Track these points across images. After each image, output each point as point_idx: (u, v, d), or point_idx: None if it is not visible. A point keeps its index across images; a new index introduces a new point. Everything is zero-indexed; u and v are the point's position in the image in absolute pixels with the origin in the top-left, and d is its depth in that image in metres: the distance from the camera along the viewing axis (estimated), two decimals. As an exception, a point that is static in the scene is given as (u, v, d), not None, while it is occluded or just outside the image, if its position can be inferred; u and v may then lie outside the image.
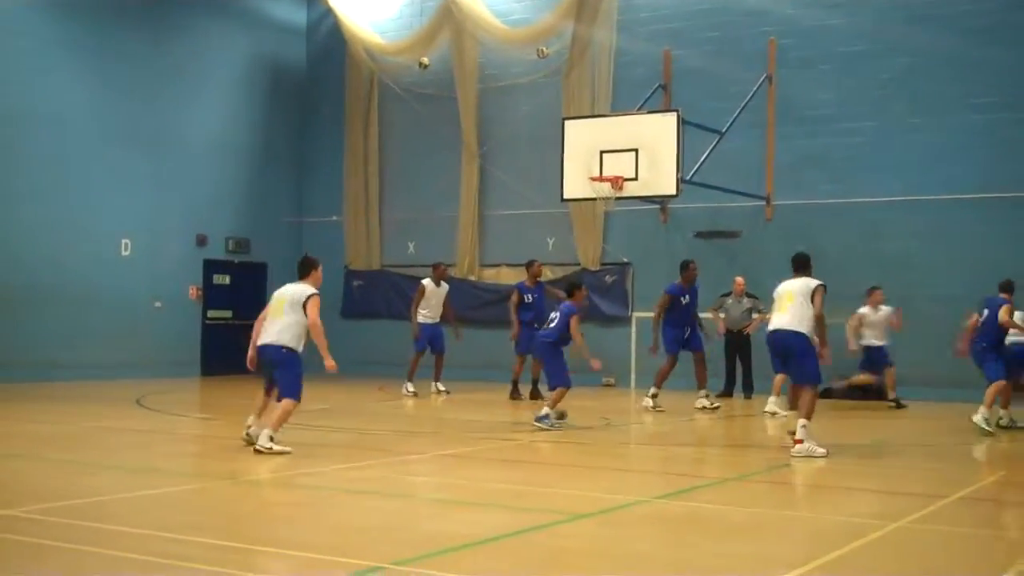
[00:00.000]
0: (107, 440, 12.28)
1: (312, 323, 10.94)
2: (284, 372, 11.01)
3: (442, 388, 18.57)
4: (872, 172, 19.34)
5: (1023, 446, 13.06)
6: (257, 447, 10.61)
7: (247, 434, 11.06)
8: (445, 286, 18.61)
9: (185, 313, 22.63)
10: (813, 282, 11.64)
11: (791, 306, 11.50)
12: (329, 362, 11.06)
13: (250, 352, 11.47)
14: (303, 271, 11.33)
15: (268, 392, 11.32)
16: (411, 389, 18.22)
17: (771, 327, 11.79)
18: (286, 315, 11.05)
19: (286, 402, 10.85)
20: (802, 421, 11.19)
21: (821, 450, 11.01)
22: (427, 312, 18.34)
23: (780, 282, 11.87)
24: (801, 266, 12.01)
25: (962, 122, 18.72)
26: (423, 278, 18.70)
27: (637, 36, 21.31)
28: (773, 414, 15.62)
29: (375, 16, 24.46)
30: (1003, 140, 18.44)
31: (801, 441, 11.10)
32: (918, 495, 8.80)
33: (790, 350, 11.49)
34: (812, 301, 11.47)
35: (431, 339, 18.42)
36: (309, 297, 11.00)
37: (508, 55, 22.72)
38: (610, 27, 21.46)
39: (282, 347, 11.00)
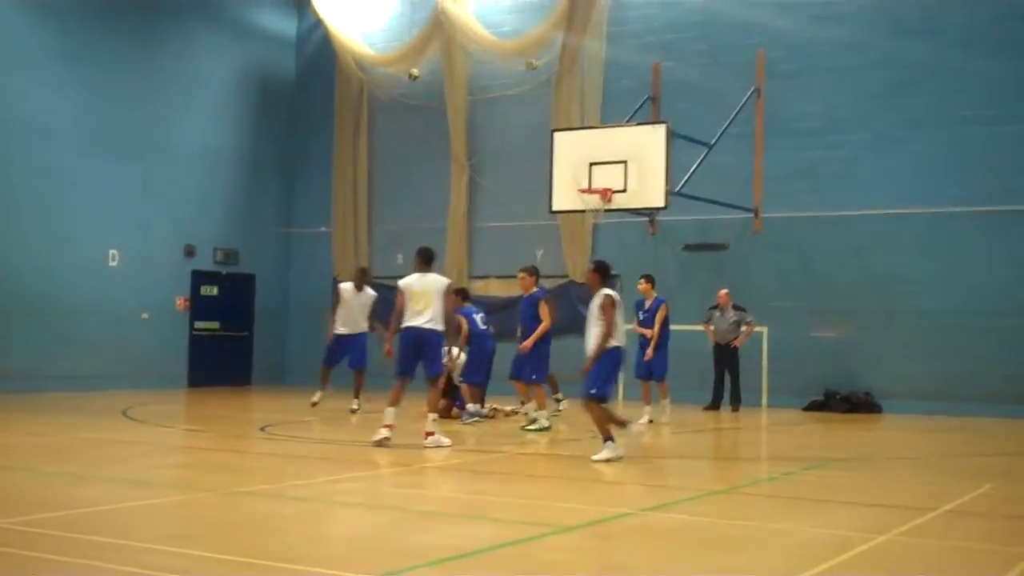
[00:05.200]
0: (94, 451, 12.23)
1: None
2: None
3: (355, 407, 16.67)
4: (860, 185, 19.43)
5: (1009, 460, 13.10)
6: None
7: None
8: (370, 293, 17.08)
9: (172, 324, 22.58)
10: (444, 280, 12.67)
11: (434, 306, 12.36)
12: None
13: None
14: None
15: None
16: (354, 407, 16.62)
17: (413, 323, 12.39)
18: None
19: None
20: (432, 416, 12.41)
21: (446, 440, 12.33)
22: (341, 322, 16.81)
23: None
24: (430, 260, 12.71)
25: (950, 135, 18.82)
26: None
27: (626, 48, 21.38)
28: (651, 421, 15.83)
29: (365, 27, 24.50)
30: (991, 153, 18.54)
31: (432, 433, 12.26)
32: (905, 508, 8.82)
33: (425, 346, 12.37)
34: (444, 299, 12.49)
35: (347, 352, 16.93)
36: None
37: (497, 67, 22.79)
38: (599, 39, 21.55)
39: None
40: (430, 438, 12.26)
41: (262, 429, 14.47)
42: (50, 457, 11.42)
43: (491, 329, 16.36)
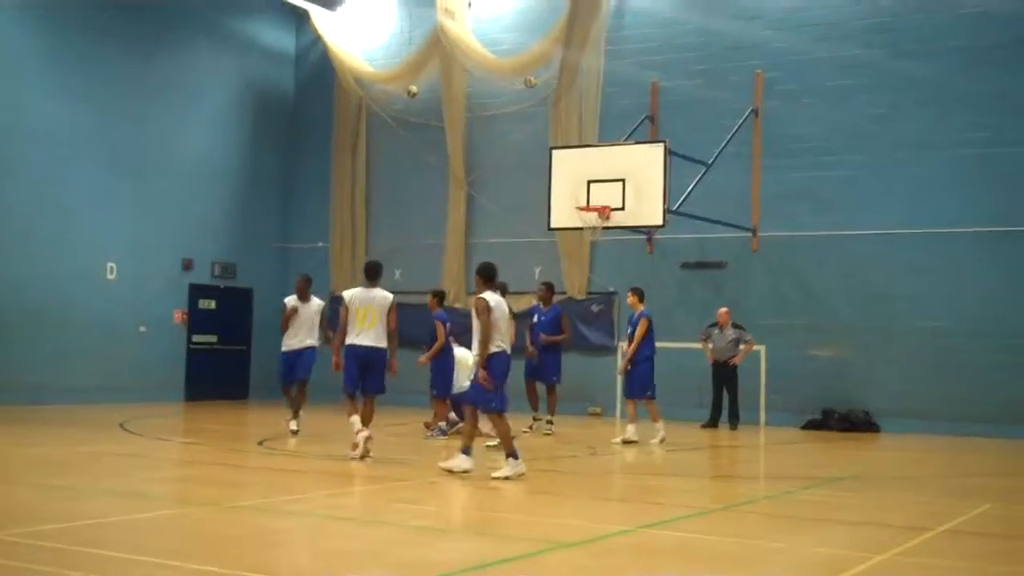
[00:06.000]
0: (91, 464, 12.21)
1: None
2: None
3: (294, 427, 15.60)
4: (857, 205, 19.46)
5: (1007, 480, 13.09)
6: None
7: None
8: (317, 303, 15.94)
9: (170, 337, 22.56)
10: (390, 296, 12.59)
11: (379, 322, 12.43)
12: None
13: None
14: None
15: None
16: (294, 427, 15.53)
17: (359, 341, 12.41)
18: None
19: None
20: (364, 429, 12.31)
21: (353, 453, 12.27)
22: (290, 336, 15.76)
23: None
24: (374, 275, 12.65)
25: (947, 156, 18.87)
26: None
27: (625, 67, 21.44)
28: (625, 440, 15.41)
29: (364, 44, 24.57)
30: (987, 174, 18.59)
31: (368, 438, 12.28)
32: (902, 528, 8.82)
33: (376, 363, 12.44)
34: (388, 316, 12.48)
35: (293, 367, 15.70)
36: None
37: (496, 84, 22.85)
38: (598, 57, 21.61)
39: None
40: (357, 450, 12.25)
41: (259, 443, 14.45)
42: (48, 470, 11.40)
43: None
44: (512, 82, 22.49)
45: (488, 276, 11.43)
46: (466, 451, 11.16)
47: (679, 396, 19.73)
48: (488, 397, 11.13)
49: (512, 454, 11.05)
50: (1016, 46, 18.68)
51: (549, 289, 17.12)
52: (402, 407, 19.22)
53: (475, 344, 11.15)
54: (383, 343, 12.48)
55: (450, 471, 11.05)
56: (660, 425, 15.54)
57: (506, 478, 10.89)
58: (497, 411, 11.28)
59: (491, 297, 11.15)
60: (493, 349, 11.06)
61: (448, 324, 15.68)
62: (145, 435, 15.20)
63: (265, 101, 24.95)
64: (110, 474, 11.39)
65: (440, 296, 16.32)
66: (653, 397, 15.66)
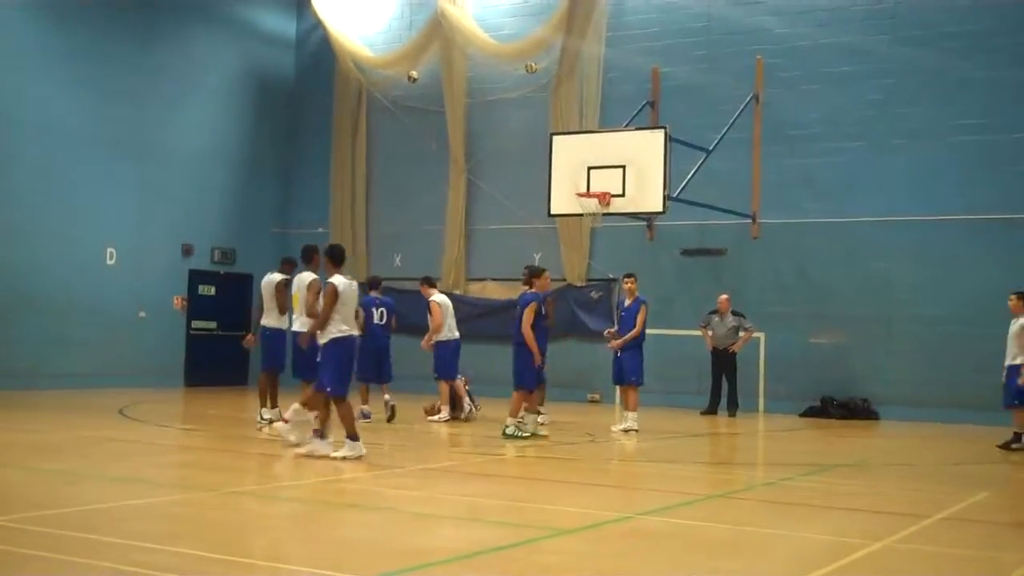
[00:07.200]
0: (90, 450, 12.21)
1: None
2: None
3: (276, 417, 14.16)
4: (857, 192, 19.43)
5: (1005, 468, 13.10)
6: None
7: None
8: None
9: (169, 323, 22.56)
10: (301, 276, 12.86)
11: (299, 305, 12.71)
12: None
13: None
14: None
15: None
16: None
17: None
18: None
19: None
20: (295, 405, 12.06)
21: (292, 438, 11.92)
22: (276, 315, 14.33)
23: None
24: (305, 259, 12.98)
25: (947, 143, 18.82)
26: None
27: (626, 53, 21.38)
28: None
29: (364, 29, 24.50)
30: (987, 161, 18.55)
31: (286, 420, 12.24)
32: (901, 515, 8.82)
33: (294, 347, 12.75)
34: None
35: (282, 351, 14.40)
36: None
37: (497, 70, 22.79)
38: (599, 43, 21.56)
39: None
40: (279, 424, 12.51)
41: (258, 429, 14.43)
42: (46, 455, 11.40)
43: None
44: (513, 68, 22.42)
45: (338, 260, 11.37)
46: (353, 437, 11.09)
47: (678, 383, 19.75)
48: (335, 384, 11.09)
49: (352, 436, 11.09)
50: (1016, 33, 18.62)
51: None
52: (400, 392, 19.21)
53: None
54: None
55: (343, 458, 10.99)
56: (631, 415, 15.12)
57: (343, 458, 10.98)
58: (336, 395, 11.13)
59: (339, 281, 11.07)
60: (337, 334, 11.03)
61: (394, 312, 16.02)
62: (144, 421, 15.21)
63: (265, 86, 24.90)
64: (109, 459, 11.39)
65: (374, 283, 16.23)
66: (634, 384, 15.37)
